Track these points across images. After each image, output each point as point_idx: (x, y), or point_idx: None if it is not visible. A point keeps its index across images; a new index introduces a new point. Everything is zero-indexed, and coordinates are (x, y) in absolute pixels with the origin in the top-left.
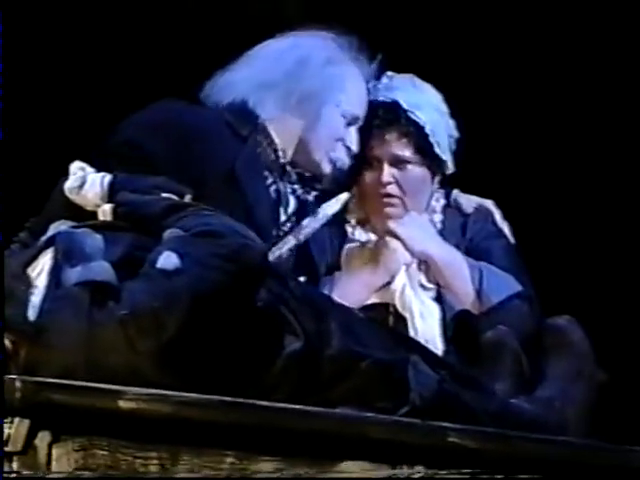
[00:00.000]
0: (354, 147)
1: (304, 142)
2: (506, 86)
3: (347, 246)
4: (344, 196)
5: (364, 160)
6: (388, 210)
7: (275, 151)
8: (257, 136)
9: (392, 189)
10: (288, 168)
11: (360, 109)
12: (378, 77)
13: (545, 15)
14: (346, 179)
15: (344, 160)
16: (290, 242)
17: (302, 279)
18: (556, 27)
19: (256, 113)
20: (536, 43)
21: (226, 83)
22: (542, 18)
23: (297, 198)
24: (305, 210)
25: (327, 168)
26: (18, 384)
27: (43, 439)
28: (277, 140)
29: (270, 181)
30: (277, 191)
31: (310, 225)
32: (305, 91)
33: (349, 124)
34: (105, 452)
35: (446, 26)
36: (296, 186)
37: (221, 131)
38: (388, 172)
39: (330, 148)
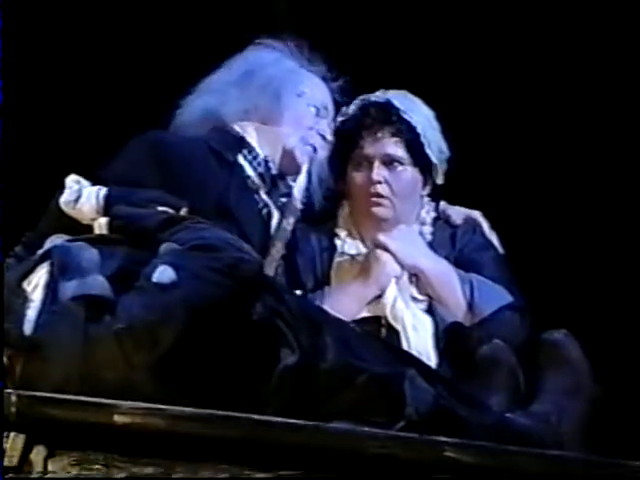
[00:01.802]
0: (328, 135)
1: (277, 135)
2: (493, 98)
3: (337, 260)
4: (304, 168)
5: (354, 161)
6: (377, 210)
7: (259, 165)
8: (243, 158)
9: (382, 189)
10: (278, 181)
11: (327, 103)
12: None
13: (530, 37)
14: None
15: (320, 147)
16: (278, 247)
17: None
18: (541, 48)
19: (240, 134)
20: (520, 59)
21: (198, 89)
22: (528, 39)
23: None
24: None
25: (303, 155)
26: (13, 398)
27: (38, 454)
28: (261, 152)
29: (261, 205)
30: (268, 213)
31: (290, 220)
32: (262, 79)
33: (318, 115)
34: (100, 466)
35: (434, 45)
36: (284, 199)
37: (209, 161)
38: (378, 171)
39: (302, 134)
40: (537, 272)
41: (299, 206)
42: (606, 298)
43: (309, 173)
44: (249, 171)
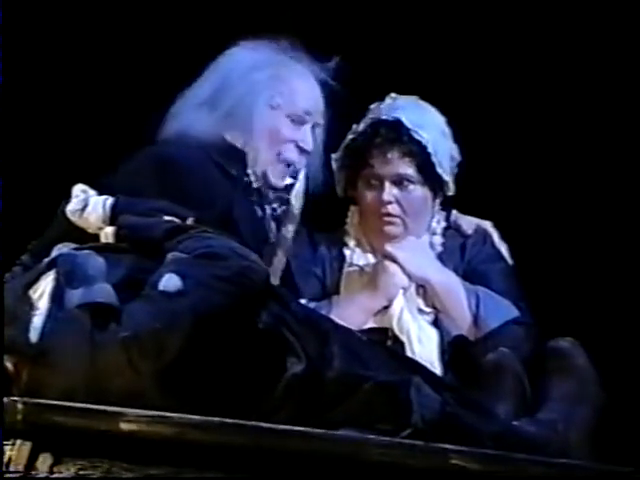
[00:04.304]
0: (307, 146)
1: (255, 154)
2: (505, 107)
3: (345, 270)
4: (301, 175)
5: (365, 178)
6: (388, 229)
7: (255, 174)
8: (243, 169)
9: (393, 209)
10: (274, 189)
11: (310, 105)
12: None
13: (546, 42)
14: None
15: (296, 161)
16: (280, 256)
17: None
18: (556, 53)
19: (244, 150)
20: (534, 66)
21: (175, 110)
22: (543, 45)
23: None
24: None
25: (277, 175)
26: (20, 406)
27: (45, 461)
28: (257, 161)
29: (260, 215)
30: (268, 224)
31: (289, 228)
32: (231, 100)
33: (297, 122)
34: (107, 474)
35: (449, 50)
36: (283, 207)
37: (213, 174)
38: (389, 191)
39: (277, 152)
40: (544, 280)
41: (297, 213)
42: (612, 306)
43: (306, 179)
44: (249, 182)
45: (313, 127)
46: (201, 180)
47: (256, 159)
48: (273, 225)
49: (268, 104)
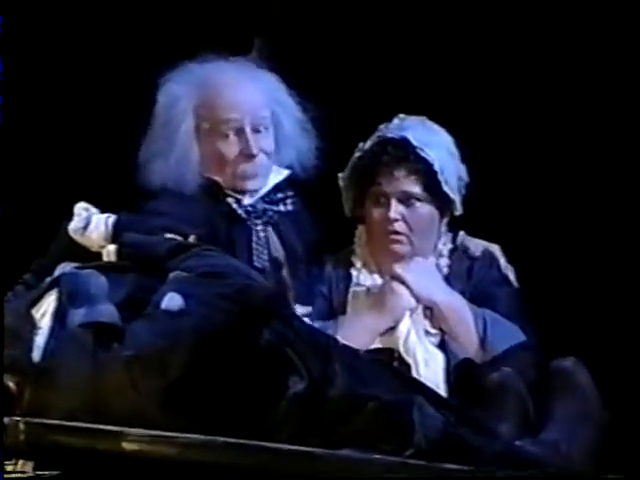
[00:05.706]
0: (253, 150)
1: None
2: (514, 130)
3: (352, 290)
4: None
5: (371, 196)
6: (394, 247)
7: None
8: (227, 202)
9: (399, 226)
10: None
11: (235, 111)
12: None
13: (559, 65)
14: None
15: (252, 169)
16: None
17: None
18: (568, 77)
19: (211, 184)
20: (545, 89)
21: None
22: (555, 68)
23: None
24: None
25: (246, 189)
26: (22, 426)
27: None
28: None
29: (255, 239)
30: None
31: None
32: (169, 143)
33: (234, 134)
34: None
35: (458, 70)
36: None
37: (207, 215)
38: (395, 209)
39: (232, 171)
40: (547, 299)
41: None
42: (616, 325)
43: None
44: (234, 210)
45: (257, 128)
46: (201, 225)
47: (222, 186)
48: (263, 249)
49: (196, 135)
